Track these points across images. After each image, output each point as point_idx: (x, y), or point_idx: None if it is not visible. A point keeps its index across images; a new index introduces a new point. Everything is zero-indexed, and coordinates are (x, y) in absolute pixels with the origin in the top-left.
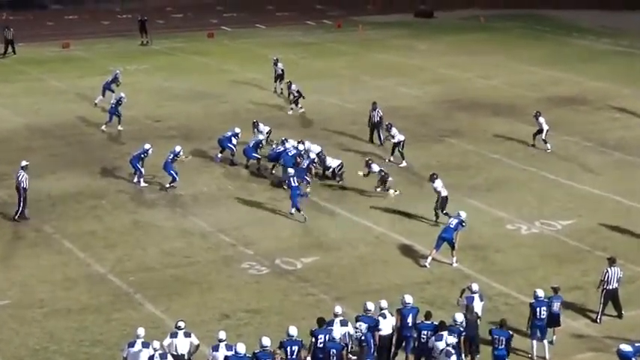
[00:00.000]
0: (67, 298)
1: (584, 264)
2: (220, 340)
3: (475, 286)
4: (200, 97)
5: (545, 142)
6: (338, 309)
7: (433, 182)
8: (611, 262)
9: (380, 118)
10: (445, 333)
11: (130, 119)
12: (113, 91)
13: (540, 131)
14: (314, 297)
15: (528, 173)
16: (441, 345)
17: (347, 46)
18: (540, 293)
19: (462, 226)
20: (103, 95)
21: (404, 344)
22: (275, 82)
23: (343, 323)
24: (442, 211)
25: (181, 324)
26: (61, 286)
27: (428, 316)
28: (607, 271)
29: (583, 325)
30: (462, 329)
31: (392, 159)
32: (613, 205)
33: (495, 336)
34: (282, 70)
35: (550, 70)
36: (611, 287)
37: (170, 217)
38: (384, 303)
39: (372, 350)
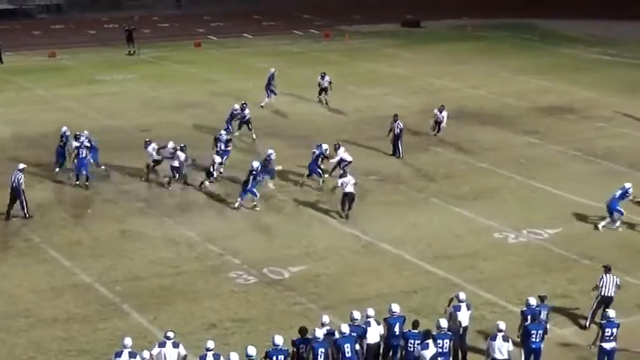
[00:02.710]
0: (54, 307)
1: (570, 272)
2: (208, 350)
3: (462, 295)
4: (187, 106)
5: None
6: (325, 318)
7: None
8: (607, 269)
9: (400, 130)
10: (431, 342)
11: (117, 129)
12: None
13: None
14: (301, 306)
15: (515, 182)
16: (427, 354)
17: (334, 55)
18: (532, 301)
19: (627, 196)
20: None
21: (391, 353)
22: (319, 95)
23: (330, 333)
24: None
25: (170, 334)
26: (47, 296)
27: (415, 325)
28: (602, 277)
29: (570, 333)
30: (450, 333)
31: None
32: (599, 213)
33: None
34: (330, 83)
35: (539, 80)
36: (606, 294)
37: (157, 226)
38: (370, 311)
39: (359, 359)
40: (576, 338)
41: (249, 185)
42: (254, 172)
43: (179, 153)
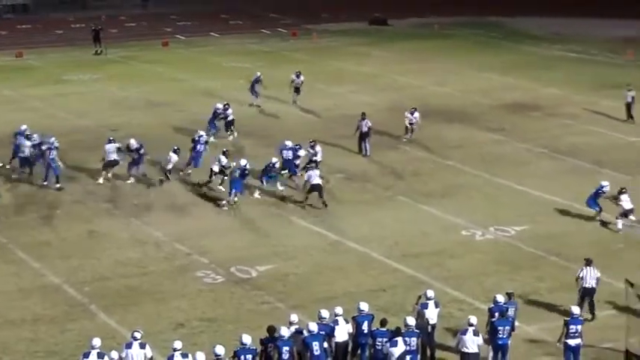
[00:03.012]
0: (22, 308)
1: (538, 270)
2: (175, 350)
3: (430, 293)
4: (155, 105)
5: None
6: (293, 317)
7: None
8: (587, 262)
9: (368, 128)
10: (400, 339)
11: (85, 128)
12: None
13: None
14: (269, 305)
15: (482, 179)
16: (396, 351)
17: (302, 54)
18: (500, 298)
19: (601, 193)
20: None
21: (359, 351)
22: (297, 94)
23: (298, 331)
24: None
25: (137, 334)
26: (15, 297)
27: (383, 323)
28: (582, 269)
29: (537, 330)
30: (417, 331)
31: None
32: (566, 210)
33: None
34: (302, 83)
35: (504, 77)
36: (587, 286)
37: (125, 227)
38: (338, 309)
39: (327, 357)
40: (544, 335)
41: (237, 183)
42: (244, 170)
43: (172, 154)
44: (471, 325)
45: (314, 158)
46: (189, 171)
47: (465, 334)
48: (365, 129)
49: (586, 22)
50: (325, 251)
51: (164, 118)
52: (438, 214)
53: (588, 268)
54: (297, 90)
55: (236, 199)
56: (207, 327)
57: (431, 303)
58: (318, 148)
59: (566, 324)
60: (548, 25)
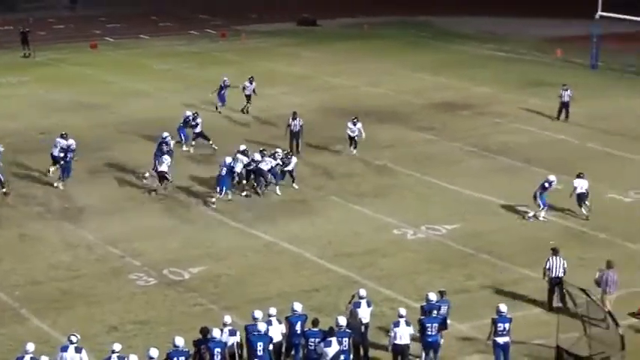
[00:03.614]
0: None
1: (468, 268)
2: (113, 352)
3: (363, 292)
4: (84, 108)
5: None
6: (227, 318)
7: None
8: (554, 252)
9: (300, 127)
10: (334, 339)
11: (14, 131)
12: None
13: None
14: (202, 307)
15: (413, 179)
16: (330, 351)
17: (232, 55)
18: (432, 296)
19: (548, 187)
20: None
21: (293, 352)
22: (248, 101)
23: (232, 333)
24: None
25: (73, 338)
26: None
27: (315, 323)
28: (549, 260)
29: (469, 328)
30: (349, 331)
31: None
32: (496, 208)
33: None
34: (254, 91)
35: (435, 77)
36: (554, 275)
37: (57, 230)
38: (272, 310)
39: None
40: (475, 333)
41: (224, 180)
42: (232, 167)
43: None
44: (401, 316)
45: (285, 169)
46: (147, 174)
47: (397, 326)
48: (297, 128)
49: (516, 22)
50: (258, 252)
51: (94, 121)
52: (370, 214)
53: (555, 257)
54: (248, 97)
55: (229, 197)
56: (141, 330)
57: (363, 302)
58: (293, 159)
59: (494, 322)
60: (478, 24)
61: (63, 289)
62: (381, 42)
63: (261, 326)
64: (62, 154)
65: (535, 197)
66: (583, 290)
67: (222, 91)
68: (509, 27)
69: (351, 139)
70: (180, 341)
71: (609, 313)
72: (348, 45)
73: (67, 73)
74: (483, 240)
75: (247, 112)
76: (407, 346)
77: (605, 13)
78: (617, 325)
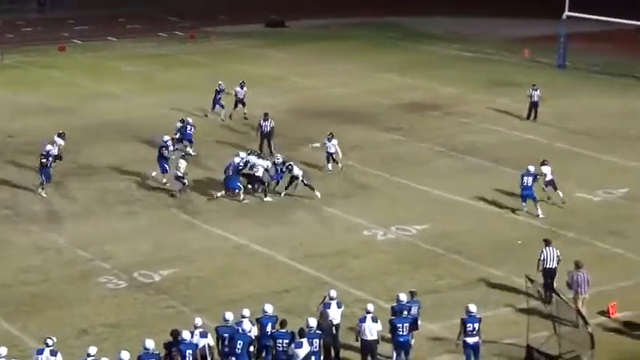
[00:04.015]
0: None
1: (438, 268)
2: (89, 355)
3: (333, 293)
4: (52, 111)
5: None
6: (198, 320)
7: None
8: (547, 242)
9: (271, 128)
10: (304, 340)
11: None
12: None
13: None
14: (173, 309)
15: (383, 179)
16: (301, 352)
17: (201, 57)
18: (403, 297)
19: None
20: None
21: (264, 353)
22: (235, 107)
23: (203, 335)
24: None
25: (49, 341)
26: None
27: (283, 324)
28: (542, 251)
29: (440, 328)
30: (319, 332)
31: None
32: (465, 208)
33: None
34: (245, 94)
35: (403, 77)
36: (549, 266)
37: (26, 233)
38: (245, 312)
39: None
40: (445, 333)
41: (233, 180)
42: (238, 166)
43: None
44: (369, 312)
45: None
46: (165, 180)
47: (364, 321)
48: (268, 129)
49: (484, 22)
50: (229, 254)
51: (62, 123)
52: (340, 215)
53: (548, 248)
54: (242, 102)
55: (242, 197)
56: (111, 333)
57: (333, 303)
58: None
59: (463, 322)
60: (446, 24)
61: (33, 292)
62: (350, 43)
63: (246, 325)
64: (44, 160)
65: (529, 195)
66: (552, 289)
67: (218, 96)
68: (477, 27)
69: (330, 155)
70: (150, 344)
71: (578, 311)
72: (316, 46)
73: (35, 76)
74: (453, 240)
75: (245, 117)
76: (375, 342)
77: (572, 13)
78: (586, 323)
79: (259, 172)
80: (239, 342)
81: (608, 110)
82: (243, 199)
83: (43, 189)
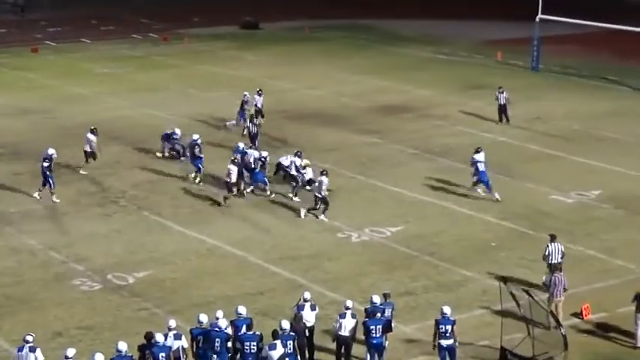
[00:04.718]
0: None
1: (412, 269)
2: (67, 358)
3: (307, 295)
4: (26, 112)
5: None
6: (172, 322)
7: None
8: (552, 238)
9: (258, 129)
10: (278, 342)
11: None
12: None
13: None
14: (147, 311)
15: (357, 181)
16: (275, 354)
17: (174, 58)
18: (376, 299)
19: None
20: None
21: (238, 356)
22: (250, 121)
23: (177, 337)
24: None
25: (29, 337)
26: None
27: (250, 326)
28: (547, 246)
29: (414, 330)
30: (293, 334)
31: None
32: (439, 210)
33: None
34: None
35: (376, 80)
36: (554, 261)
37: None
38: (219, 313)
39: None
40: (420, 334)
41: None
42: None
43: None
44: (348, 308)
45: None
46: (198, 179)
47: (343, 317)
48: (255, 130)
49: (457, 24)
50: (202, 256)
51: (36, 125)
52: (315, 217)
53: (553, 244)
54: (260, 113)
55: (268, 192)
56: (85, 335)
57: (307, 305)
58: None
59: (437, 324)
60: (420, 27)
61: (6, 294)
62: (324, 45)
63: (222, 323)
64: (46, 164)
65: (481, 181)
66: (526, 291)
67: (244, 107)
68: (450, 29)
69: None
70: (123, 346)
71: (552, 313)
72: (290, 48)
73: (8, 78)
74: (426, 241)
75: (260, 125)
76: (351, 338)
77: (545, 16)
78: (559, 325)
79: (294, 171)
80: (216, 340)
81: (581, 112)
82: (271, 194)
83: (52, 193)
